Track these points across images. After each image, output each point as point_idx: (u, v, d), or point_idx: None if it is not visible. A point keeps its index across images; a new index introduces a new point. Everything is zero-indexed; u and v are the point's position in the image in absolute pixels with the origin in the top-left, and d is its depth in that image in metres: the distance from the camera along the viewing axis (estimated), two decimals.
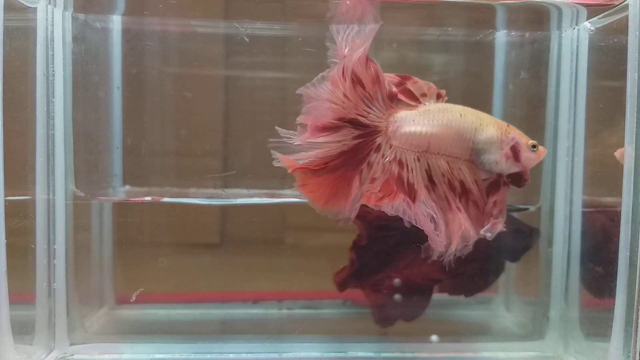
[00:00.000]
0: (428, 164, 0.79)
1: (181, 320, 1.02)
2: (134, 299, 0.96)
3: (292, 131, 0.76)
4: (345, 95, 0.75)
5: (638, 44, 0.76)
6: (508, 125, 0.83)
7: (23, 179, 0.83)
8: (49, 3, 0.85)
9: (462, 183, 0.80)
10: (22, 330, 0.81)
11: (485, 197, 0.81)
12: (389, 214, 0.77)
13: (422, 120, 0.80)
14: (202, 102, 1.05)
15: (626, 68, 0.77)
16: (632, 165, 0.76)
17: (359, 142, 0.77)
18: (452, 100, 1.11)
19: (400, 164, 0.78)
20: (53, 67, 0.87)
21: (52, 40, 0.86)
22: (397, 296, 0.98)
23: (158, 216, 1.03)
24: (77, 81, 0.91)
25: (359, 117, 0.76)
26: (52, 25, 0.86)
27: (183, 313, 1.04)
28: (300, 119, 0.76)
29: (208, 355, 0.91)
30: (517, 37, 1.03)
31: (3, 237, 0.75)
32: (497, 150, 0.81)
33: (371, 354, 0.92)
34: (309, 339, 0.96)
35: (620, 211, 0.78)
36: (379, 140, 0.78)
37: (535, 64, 1.02)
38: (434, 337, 0.97)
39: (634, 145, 0.76)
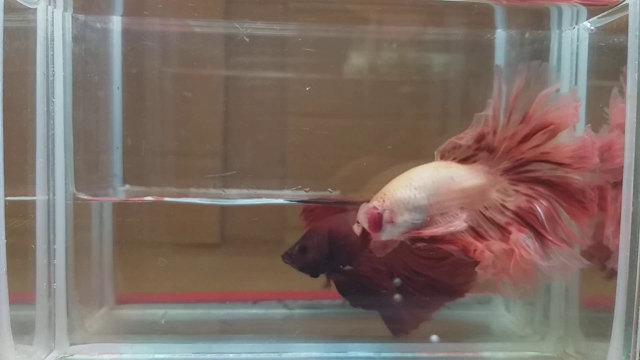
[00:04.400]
0: None
1: (181, 320, 1.02)
2: (163, 322, 0.97)
3: None
4: None
5: (638, 44, 0.75)
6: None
7: (23, 179, 0.83)
8: (49, 4, 0.85)
9: None
10: (22, 330, 0.81)
11: None
12: None
13: None
14: (202, 102, 1.05)
15: (626, 68, 0.77)
16: (632, 165, 0.76)
17: None
18: (452, 100, 1.12)
19: None
20: (53, 67, 0.87)
21: (52, 40, 0.86)
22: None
23: (158, 216, 1.03)
24: (77, 81, 0.92)
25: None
26: (52, 25, 0.86)
27: (183, 313, 1.04)
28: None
29: (208, 355, 0.91)
30: (517, 36, 1.03)
31: (3, 237, 0.75)
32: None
33: (371, 354, 0.92)
34: (309, 339, 0.96)
35: (620, 211, 0.78)
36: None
37: None
38: (434, 337, 0.97)
39: (634, 145, 0.76)
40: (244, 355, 0.91)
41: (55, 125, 0.87)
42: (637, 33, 0.76)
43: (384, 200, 0.81)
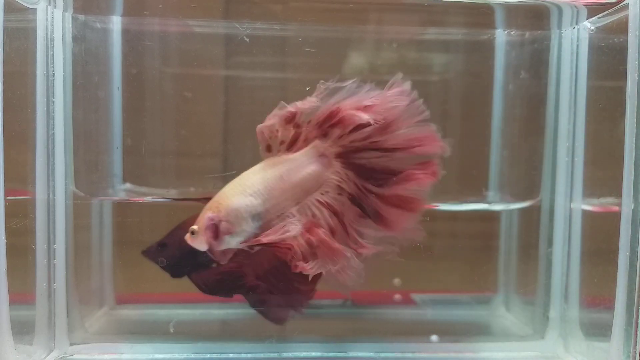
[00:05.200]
0: None
1: (181, 320, 1.02)
2: (172, 330, 0.96)
3: None
4: None
5: (638, 44, 0.76)
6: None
7: (23, 179, 0.83)
8: (49, 4, 0.85)
9: None
10: (22, 330, 0.81)
11: None
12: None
13: None
14: (202, 102, 1.05)
15: (626, 68, 0.77)
16: (632, 165, 0.76)
17: None
18: (452, 100, 1.12)
19: None
20: (53, 67, 0.87)
21: (52, 40, 0.86)
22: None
23: (158, 216, 1.03)
24: (77, 81, 0.91)
25: None
26: (52, 25, 0.86)
27: (183, 313, 1.04)
28: None
29: (208, 355, 0.91)
30: (517, 37, 1.03)
31: (3, 237, 0.75)
32: None
33: (371, 354, 0.92)
34: (309, 339, 0.96)
35: (620, 211, 0.78)
36: None
37: (535, 64, 1.02)
38: (434, 337, 0.97)
39: (634, 145, 0.76)
40: (243, 355, 0.91)
41: (55, 125, 0.87)
42: (637, 33, 0.76)
43: (219, 210, 0.77)
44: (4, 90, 0.74)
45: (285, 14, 0.99)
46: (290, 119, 0.80)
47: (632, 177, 0.76)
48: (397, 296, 1.07)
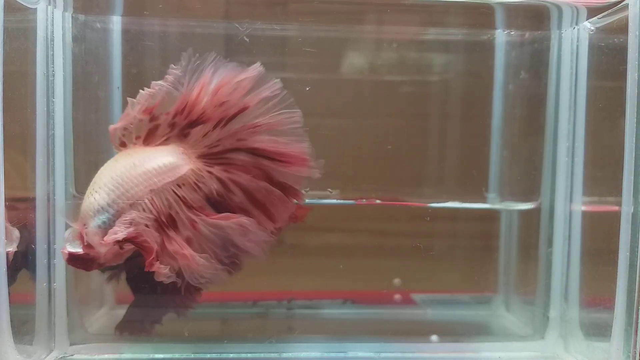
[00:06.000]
0: None
1: (181, 320, 1.02)
2: (187, 334, 0.95)
3: None
4: None
5: (638, 44, 0.76)
6: None
7: (23, 179, 0.83)
8: (49, 4, 0.85)
9: None
10: (22, 330, 0.81)
11: None
12: None
13: None
14: None
15: (626, 68, 0.77)
16: (632, 165, 0.76)
17: None
18: (452, 100, 1.12)
19: None
20: (53, 67, 0.87)
21: (52, 40, 0.86)
22: None
23: None
24: (77, 81, 0.92)
25: None
26: (52, 25, 0.86)
27: None
28: None
29: (208, 355, 0.91)
30: (517, 37, 1.03)
31: (3, 237, 0.75)
32: None
33: (371, 354, 0.92)
34: (309, 339, 0.96)
35: (620, 211, 0.78)
36: None
37: (535, 64, 1.02)
38: (434, 337, 0.97)
39: (634, 145, 0.76)
40: (243, 355, 0.91)
41: (55, 125, 0.87)
42: (637, 33, 0.76)
43: (78, 219, 0.79)
44: (4, 90, 0.74)
45: (285, 15, 0.99)
46: (146, 111, 0.80)
47: (632, 177, 0.76)
48: (397, 296, 1.07)
